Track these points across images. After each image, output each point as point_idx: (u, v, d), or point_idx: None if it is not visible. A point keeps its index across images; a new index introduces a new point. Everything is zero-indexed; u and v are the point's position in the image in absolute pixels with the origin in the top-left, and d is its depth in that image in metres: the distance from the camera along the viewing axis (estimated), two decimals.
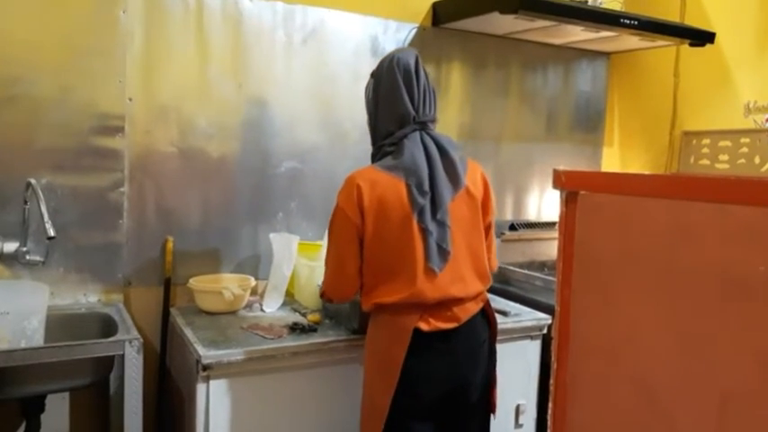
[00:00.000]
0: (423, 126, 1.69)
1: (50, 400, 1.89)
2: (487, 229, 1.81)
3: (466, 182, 1.71)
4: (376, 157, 1.76)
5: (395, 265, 1.65)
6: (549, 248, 2.91)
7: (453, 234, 1.66)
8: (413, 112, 1.67)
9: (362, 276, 1.70)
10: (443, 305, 1.66)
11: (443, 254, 1.64)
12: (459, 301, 1.68)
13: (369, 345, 1.75)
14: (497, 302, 2.39)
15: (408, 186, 1.62)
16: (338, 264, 1.72)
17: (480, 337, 1.74)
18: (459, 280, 1.68)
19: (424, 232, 1.63)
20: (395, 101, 1.68)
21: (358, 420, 1.95)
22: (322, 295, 1.84)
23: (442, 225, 1.64)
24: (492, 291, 2.52)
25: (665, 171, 3.33)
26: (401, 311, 1.65)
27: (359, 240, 1.67)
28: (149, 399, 2.08)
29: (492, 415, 1.83)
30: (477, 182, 1.76)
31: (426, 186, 1.63)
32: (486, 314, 1.78)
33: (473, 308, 1.71)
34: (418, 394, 1.66)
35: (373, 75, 1.76)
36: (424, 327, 1.64)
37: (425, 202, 1.63)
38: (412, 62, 1.68)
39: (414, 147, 1.65)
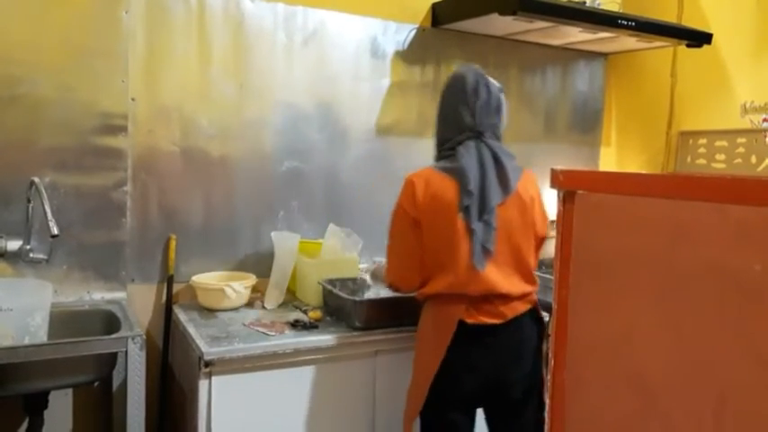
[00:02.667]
0: (479, 135, 1.79)
1: (53, 397, 1.90)
2: (535, 239, 1.85)
3: (517, 188, 1.78)
4: (437, 160, 1.86)
5: (444, 259, 1.74)
6: (547, 247, 2.91)
7: (499, 236, 1.74)
8: (470, 123, 1.78)
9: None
10: (488, 300, 1.73)
11: (486, 253, 1.72)
12: (504, 297, 1.74)
13: (418, 333, 1.84)
14: None
15: (459, 186, 1.73)
16: (404, 254, 1.81)
17: (527, 336, 1.79)
18: (504, 278, 1.75)
19: (470, 231, 1.71)
20: (453, 112, 1.81)
21: (359, 416, 1.97)
22: (390, 286, 1.91)
23: (487, 226, 1.72)
24: None
25: (663, 171, 3.35)
26: (448, 302, 1.74)
27: (417, 233, 1.77)
28: (152, 395, 2.09)
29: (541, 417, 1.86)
30: (530, 191, 1.83)
31: (472, 187, 1.72)
32: (536, 316, 1.84)
33: (520, 307, 1.77)
34: (457, 384, 1.73)
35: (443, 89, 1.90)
36: (468, 319, 1.72)
37: (471, 202, 1.72)
38: (471, 78, 1.80)
39: (467, 152, 1.76)
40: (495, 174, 1.75)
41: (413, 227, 1.77)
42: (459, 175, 1.73)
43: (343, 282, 2.20)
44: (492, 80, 1.84)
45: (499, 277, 1.73)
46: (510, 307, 1.75)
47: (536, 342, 1.83)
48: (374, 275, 2.23)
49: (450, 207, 1.73)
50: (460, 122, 1.79)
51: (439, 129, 1.87)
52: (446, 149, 1.81)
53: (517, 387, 1.78)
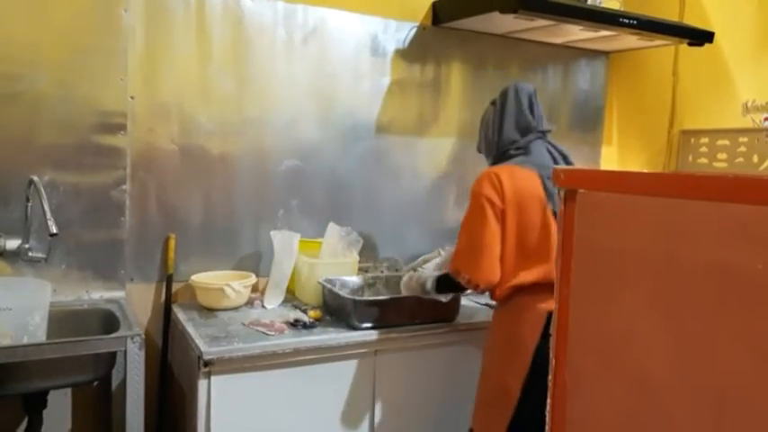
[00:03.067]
0: (542, 135, 1.93)
1: (52, 396, 1.90)
2: None
3: None
4: (499, 159, 1.93)
5: (532, 249, 1.78)
6: None
7: None
8: (535, 125, 1.92)
9: (500, 262, 1.81)
10: None
11: None
12: None
13: (498, 328, 1.87)
14: None
15: (541, 177, 1.82)
16: (485, 249, 1.79)
17: None
18: None
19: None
20: (519, 115, 1.92)
21: (358, 415, 1.96)
22: (468, 282, 1.82)
23: None
24: None
25: (664, 170, 3.34)
26: (537, 293, 1.76)
27: (501, 225, 1.79)
28: (151, 395, 2.08)
29: None
30: None
31: None
32: None
33: None
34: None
35: (495, 102, 2.01)
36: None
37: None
38: (532, 90, 1.97)
39: (540, 149, 1.90)
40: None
41: (497, 218, 1.79)
42: (540, 167, 1.83)
43: (343, 281, 2.20)
44: None
45: None
46: None
47: None
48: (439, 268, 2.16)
49: (537, 198, 1.79)
50: (526, 124, 1.91)
51: (502, 132, 1.94)
52: (514, 149, 1.90)
53: None
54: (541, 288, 1.76)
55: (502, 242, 1.79)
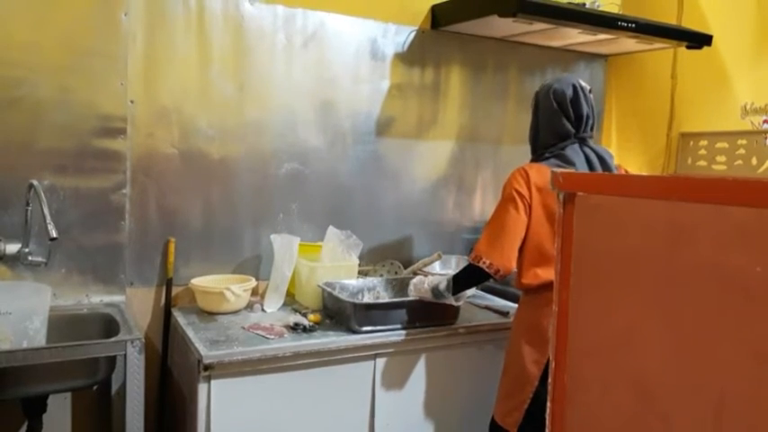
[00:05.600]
0: (582, 140, 1.92)
1: (52, 401, 1.90)
2: None
3: None
4: (536, 161, 1.94)
5: (552, 249, 1.76)
6: None
7: None
8: (572, 131, 1.90)
9: (526, 256, 1.86)
10: None
11: None
12: None
13: (520, 318, 1.92)
14: (496, 303, 2.40)
15: None
16: (512, 234, 1.83)
17: None
18: None
19: None
20: (553, 122, 1.91)
21: (358, 419, 1.96)
22: (489, 267, 1.82)
23: None
24: (491, 291, 2.54)
25: (663, 172, 3.34)
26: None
27: (527, 221, 1.83)
28: (151, 399, 2.08)
29: None
30: None
31: None
32: None
33: None
34: None
35: (535, 97, 1.99)
36: None
37: None
38: (569, 92, 1.91)
39: (574, 154, 1.88)
40: (602, 171, 1.86)
41: (522, 210, 1.82)
42: (569, 167, 1.83)
43: (342, 284, 2.20)
44: (584, 84, 1.97)
45: None
46: None
47: None
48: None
49: None
50: (560, 131, 1.90)
51: (538, 136, 1.95)
52: (548, 152, 1.91)
53: None
54: None
55: (528, 232, 1.83)
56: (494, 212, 1.90)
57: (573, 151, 1.88)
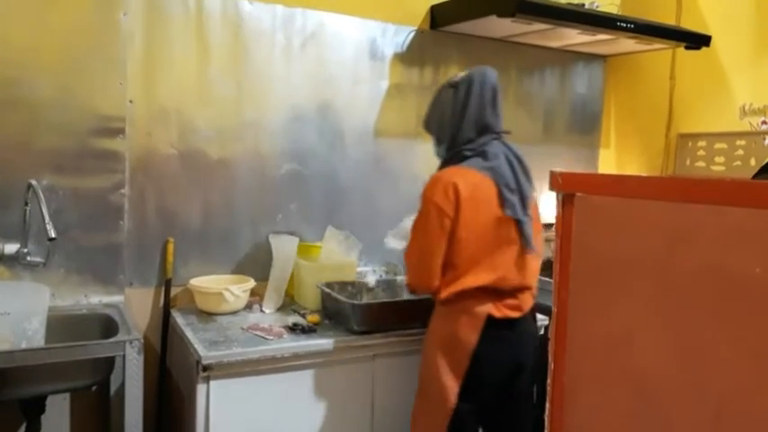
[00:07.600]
0: (499, 136, 1.85)
1: (51, 401, 1.89)
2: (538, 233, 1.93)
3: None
4: (453, 159, 1.84)
5: (481, 255, 1.76)
6: (546, 250, 2.92)
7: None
8: (493, 124, 1.83)
9: (446, 267, 1.79)
10: (512, 294, 1.79)
11: (528, 246, 1.79)
12: (526, 289, 1.83)
13: (436, 331, 1.83)
14: None
15: (498, 185, 1.77)
16: (428, 257, 1.78)
17: (534, 328, 1.90)
18: (530, 273, 1.84)
19: (518, 223, 1.77)
20: (481, 113, 1.82)
21: (357, 420, 1.96)
22: (410, 286, 1.86)
23: (529, 219, 1.80)
24: None
25: (662, 173, 3.35)
26: (479, 296, 1.76)
27: (448, 235, 1.76)
28: (150, 399, 2.08)
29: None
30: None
31: (514, 185, 1.78)
32: (535, 310, 1.91)
33: (531, 301, 1.85)
34: (483, 378, 1.77)
35: (456, 86, 1.85)
36: (496, 313, 1.76)
37: (515, 198, 1.77)
38: (492, 80, 1.84)
39: (498, 152, 1.81)
40: (521, 172, 1.82)
41: (447, 228, 1.74)
42: (496, 174, 1.77)
43: (341, 285, 2.20)
44: None
45: (529, 271, 1.83)
46: (526, 299, 1.83)
47: (540, 335, 1.90)
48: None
49: (491, 204, 1.76)
50: (485, 123, 1.82)
51: (460, 128, 1.82)
52: (469, 149, 1.81)
53: (526, 376, 1.84)
54: (484, 292, 1.75)
55: (450, 248, 1.75)
56: (415, 224, 1.82)
57: (495, 149, 1.80)
